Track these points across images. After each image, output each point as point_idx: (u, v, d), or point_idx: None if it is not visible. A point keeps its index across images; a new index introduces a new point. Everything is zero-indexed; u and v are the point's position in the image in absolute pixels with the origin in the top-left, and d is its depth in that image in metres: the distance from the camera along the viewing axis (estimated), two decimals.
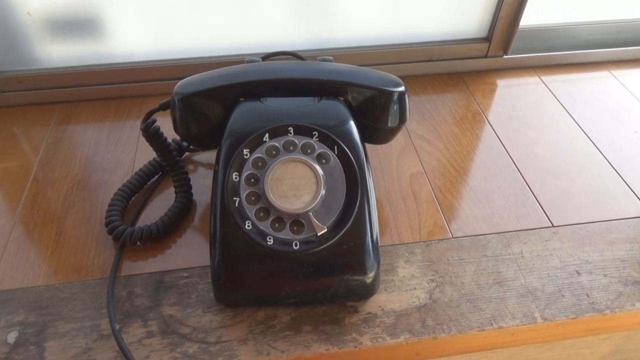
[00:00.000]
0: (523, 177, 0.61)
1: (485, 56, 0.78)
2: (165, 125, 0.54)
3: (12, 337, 0.44)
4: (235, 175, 0.45)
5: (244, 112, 0.48)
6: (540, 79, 0.77)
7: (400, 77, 0.52)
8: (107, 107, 0.70)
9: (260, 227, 0.43)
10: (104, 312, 0.46)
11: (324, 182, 0.44)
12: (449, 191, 0.59)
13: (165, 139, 0.55)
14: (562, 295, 0.49)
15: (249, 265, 0.43)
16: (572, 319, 0.47)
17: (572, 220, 0.56)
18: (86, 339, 0.44)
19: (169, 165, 0.56)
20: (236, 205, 0.44)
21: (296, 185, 0.44)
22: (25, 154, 0.63)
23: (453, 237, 0.54)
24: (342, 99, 0.50)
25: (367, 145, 0.52)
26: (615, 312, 0.48)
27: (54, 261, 0.51)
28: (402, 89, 0.51)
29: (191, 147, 0.62)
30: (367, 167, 0.47)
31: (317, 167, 0.45)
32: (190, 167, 0.61)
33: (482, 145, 0.66)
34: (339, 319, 0.46)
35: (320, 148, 0.46)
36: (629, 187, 0.60)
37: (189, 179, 0.57)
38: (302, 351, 0.44)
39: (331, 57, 0.54)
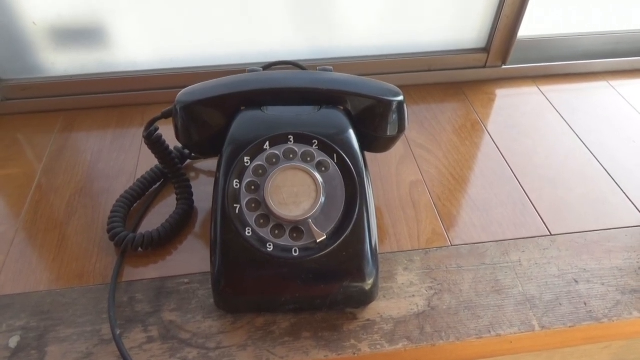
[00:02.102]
0: (521, 185, 0.62)
1: (484, 66, 0.78)
2: (168, 133, 0.55)
3: (13, 342, 0.45)
4: (236, 182, 0.45)
5: (245, 121, 0.49)
6: (539, 89, 0.78)
7: (399, 86, 0.53)
8: (110, 115, 0.71)
9: (260, 234, 0.44)
10: (104, 317, 0.46)
11: (324, 189, 0.45)
12: (448, 199, 0.59)
13: (167, 147, 0.56)
14: (560, 304, 0.49)
15: (249, 271, 0.44)
16: (570, 327, 0.48)
17: (570, 228, 0.57)
18: (87, 344, 0.45)
19: (170, 172, 0.57)
20: (236, 212, 0.44)
21: (296, 192, 0.45)
22: (28, 161, 0.64)
23: (452, 245, 0.54)
24: (342, 108, 0.51)
25: (367, 154, 0.52)
26: (613, 321, 0.48)
27: (56, 267, 0.51)
28: (400, 98, 0.51)
29: (193, 154, 0.63)
30: (367, 175, 0.47)
31: (317, 174, 0.45)
32: (192, 174, 0.62)
33: (481, 154, 0.66)
34: (338, 326, 0.46)
35: (320, 156, 0.46)
36: (626, 196, 0.61)
37: (190, 186, 0.57)
38: (301, 357, 0.44)
39: (331, 67, 0.55)
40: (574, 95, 0.77)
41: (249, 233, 0.43)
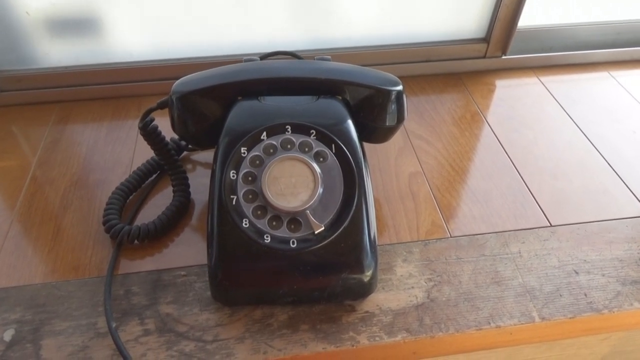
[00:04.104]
0: (521, 177, 0.61)
1: (484, 57, 0.78)
2: (164, 124, 0.54)
3: (8, 335, 0.44)
4: (233, 173, 0.45)
5: (242, 111, 0.48)
6: (539, 79, 0.78)
7: (398, 77, 0.52)
8: (105, 106, 0.70)
9: (258, 225, 0.43)
10: (100, 310, 0.46)
11: (322, 180, 0.44)
12: (447, 191, 0.59)
13: (164, 138, 0.55)
14: (560, 295, 0.49)
15: (246, 263, 0.43)
16: (570, 318, 0.47)
17: (570, 220, 0.56)
18: (82, 337, 0.44)
19: (167, 164, 0.56)
20: (233, 203, 0.44)
21: (293, 183, 0.44)
22: (23, 153, 0.63)
23: (451, 237, 0.54)
24: (340, 97, 0.50)
25: (366, 145, 0.52)
26: (613, 312, 0.48)
27: (51, 259, 0.51)
28: (399, 87, 0.51)
29: (189, 146, 0.62)
30: (365, 165, 0.47)
31: (315, 165, 0.44)
32: (188, 166, 0.61)
33: (480, 145, 0.66)
34: (336, 318, 0.46)
35: (318, 146, 0.46)
36: (627, 187, 0.60)
37: (186, 178, 0.57)
38: (299, 350, 0.44)
39: (329, 57, 0.54)
40: (574, 85, 0.77)
41: (246, 224, 0.43)
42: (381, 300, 0.48)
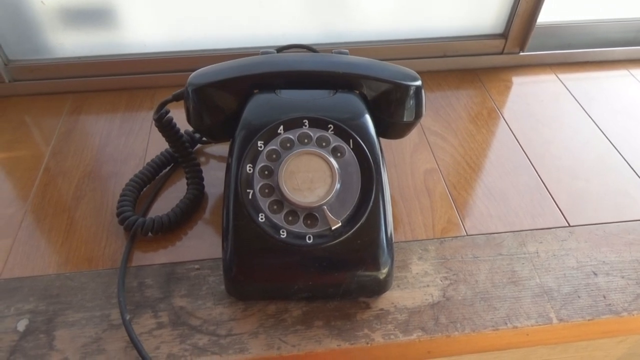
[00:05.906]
0: (539, 175, 0.60)
1: (502, 53, 0.76)
2: (178, 116, 0.53)
3: (22, 325, 0.44)
4: (249, 167, 0.44)
5: (259, 104, 0.48)
6: (557, 76, 0.76)
7: None
8: (119, 97, 0.70)
9: (274, 220, 0.43)
10: (114, 302, 0.46)
11: (339, 175, 0.44)
12: (464, 188, 0.58)
13: (178, 130, 0.55)
14: (579, 296, 0.48)
15: (262, 258, 0.43)
16: (588, 320, 0.47)
17: (589, 220, 0.55)
18: (96, 329, 0.44)
19: (181, 156, 0.56)
20: (249, 197, 0.43)
21: (310, 178, 0.43)
22: (36, 144, 0.63)
23: (467, 235, 0.53)
24: (358, 92, 0.49)
25: (381, 141, 0.51)
26: (633, 315, 0.47)
27: (65, 250, 0.50)
28: (418, 83, 0.50)
29: (204, 138, 0.62)
30: (383, 161, 0.46)
31: (332, 160, 0.44)
32: (202, 158, 0.61)
33: (497, 142, 0.65)
34: (351, 315, 0.46)
35: (336, 141, 0.45)
36: None
37: (200, 171, 0.56)
38: (313, 346, 0.43)
39: (347, 50, 0.53)
40: (593, 83, 0.75)
41: (262, 219, 0.42)
42: (396, 298, 0.47)
